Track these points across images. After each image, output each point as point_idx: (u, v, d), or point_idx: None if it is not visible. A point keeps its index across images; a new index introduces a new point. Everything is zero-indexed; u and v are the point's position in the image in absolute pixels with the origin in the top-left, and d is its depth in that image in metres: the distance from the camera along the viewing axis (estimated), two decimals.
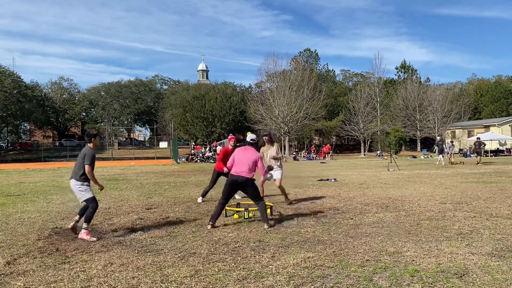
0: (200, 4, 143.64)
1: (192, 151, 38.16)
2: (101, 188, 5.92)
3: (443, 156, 22.75)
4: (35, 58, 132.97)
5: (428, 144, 52.84)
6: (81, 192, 5.72)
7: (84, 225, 5.64)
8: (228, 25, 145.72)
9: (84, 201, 5.74)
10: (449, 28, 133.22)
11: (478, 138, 26.03)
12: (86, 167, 5.64)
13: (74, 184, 5.73)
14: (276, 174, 8.31)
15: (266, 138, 8.50)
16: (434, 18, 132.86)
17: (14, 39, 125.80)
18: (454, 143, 26.59)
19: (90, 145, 5.83)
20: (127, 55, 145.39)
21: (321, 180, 14.02)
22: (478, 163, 22.27)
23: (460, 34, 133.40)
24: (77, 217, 5.79)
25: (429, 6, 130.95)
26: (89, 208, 5.70)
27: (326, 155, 40.61)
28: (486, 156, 23.52)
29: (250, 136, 6.68)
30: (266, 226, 6.06)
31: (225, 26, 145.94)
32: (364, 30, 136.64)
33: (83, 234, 5.57)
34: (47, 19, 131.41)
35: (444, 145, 23.20)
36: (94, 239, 5.51)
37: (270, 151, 8.39)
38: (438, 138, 24.90)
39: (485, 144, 24.30)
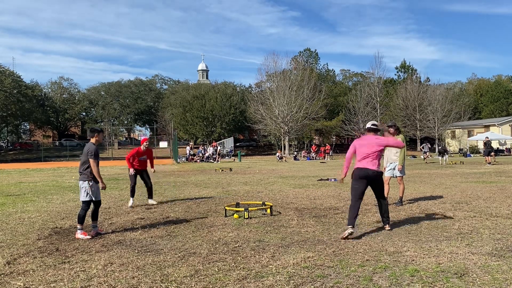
0: (206, 0, 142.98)
1: (191, 151, 38.09)
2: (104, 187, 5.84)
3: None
4: (36, 56, 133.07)
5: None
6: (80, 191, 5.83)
7: (78, 226, 5.72)
8: (233, 21, 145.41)
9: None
10: (460, 25, 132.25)
11: (487, 137, 26.28)
12: (91, 161, 5.70)
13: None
14: (396, 170, 8.11)
15: (392, 129, 8.19)
16: (444, 15, 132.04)
17: (15, 36, 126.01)
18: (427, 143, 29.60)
19: (93, 140, 5.90)
20: (130, 53, 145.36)
21: (321, 180, 14.02)
22: (493, 162, 22.74)
23: (470, 31, 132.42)
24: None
25: (441, 2, 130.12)
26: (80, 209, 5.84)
27: (326, 155, 40.60)
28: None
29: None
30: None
31: (230, 22, 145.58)
32: (373, 27, 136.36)
33: (78, 234, 5.67)
34: (49, 16, 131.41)
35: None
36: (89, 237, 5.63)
37: None
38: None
39: (491, 142, 24.85)
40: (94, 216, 5.85)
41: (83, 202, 5.77)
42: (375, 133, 5.92)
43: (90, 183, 5.74)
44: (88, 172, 5.72)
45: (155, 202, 8.92)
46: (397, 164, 8.08)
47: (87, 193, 5.73)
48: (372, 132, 5.89)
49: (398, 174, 8.14)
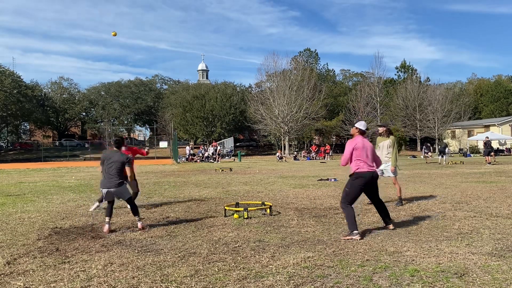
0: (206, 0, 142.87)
1: (191, 151, 38.08)
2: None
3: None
4: (36, 56, 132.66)
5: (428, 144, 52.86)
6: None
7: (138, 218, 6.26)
8: (234, 21, 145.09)
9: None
10: (460, 25, 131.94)
11: (487, 137, 26.25)
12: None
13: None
14: (388, 169, 8.12)
15: (384, 129, 8.34)
16: (445, 15, 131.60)
17: (14, 36, 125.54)
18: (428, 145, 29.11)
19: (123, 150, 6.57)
20: (130, 53, 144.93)
21: (321, 180, 14.02)
22: (493, 162, 22.74)
23: (470, 31, 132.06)
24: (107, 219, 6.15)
25: (441, 1, 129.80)
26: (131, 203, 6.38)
27: (326, 155, 40.62)
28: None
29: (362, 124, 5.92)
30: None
31: (230, 22, 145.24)
32: (373, 27, 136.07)
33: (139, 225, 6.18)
34: (48, 15, 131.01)
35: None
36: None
37: (384, 142, 8.24)
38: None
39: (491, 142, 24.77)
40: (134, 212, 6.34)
41: (131, 197, 6.44)
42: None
43: None
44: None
45: (92, 208, 8.07)
46: (389, 165, 8.13)
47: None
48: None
49: (391, 174, 8.18)
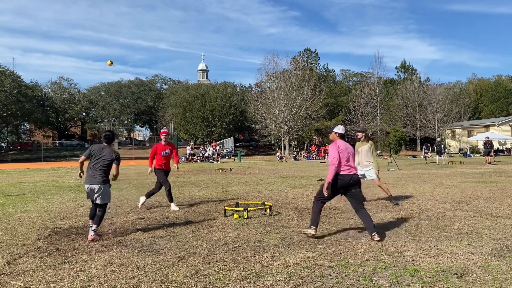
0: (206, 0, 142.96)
1: (191, 151, 38.09)
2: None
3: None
4: (36, 56, 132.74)
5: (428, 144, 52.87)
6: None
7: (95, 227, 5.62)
8: (234, 21, 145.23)
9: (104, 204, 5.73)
10: (460, 25, 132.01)
11: (487, 137, 26.20)
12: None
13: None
14: (371, 173, 8.30)
15: (363, 134, 8.53)
16: (445, 15, 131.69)
17: (14, 36, 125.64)
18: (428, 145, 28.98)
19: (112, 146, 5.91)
20: (130, 52, 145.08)
21: (321, 180, 14.02)
22: (492, 162, 22.69)
23: (471, 31, 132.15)
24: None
25: (441, 1, 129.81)
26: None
27: (326, 155, 40.62)
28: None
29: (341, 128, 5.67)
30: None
31: (230, 22, 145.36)
32: (373, 27, 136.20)
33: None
34: (48, 15, 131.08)
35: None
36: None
37: (363, 148, 8.41)
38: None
39: (491, 143, 24.66)
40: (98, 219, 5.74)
41: (107, 204, 5.76)
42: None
43: None
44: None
45: (176, 208, 8.02)
46: (371, 169, 8.30)
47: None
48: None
49: (374, 177, 8.30)
